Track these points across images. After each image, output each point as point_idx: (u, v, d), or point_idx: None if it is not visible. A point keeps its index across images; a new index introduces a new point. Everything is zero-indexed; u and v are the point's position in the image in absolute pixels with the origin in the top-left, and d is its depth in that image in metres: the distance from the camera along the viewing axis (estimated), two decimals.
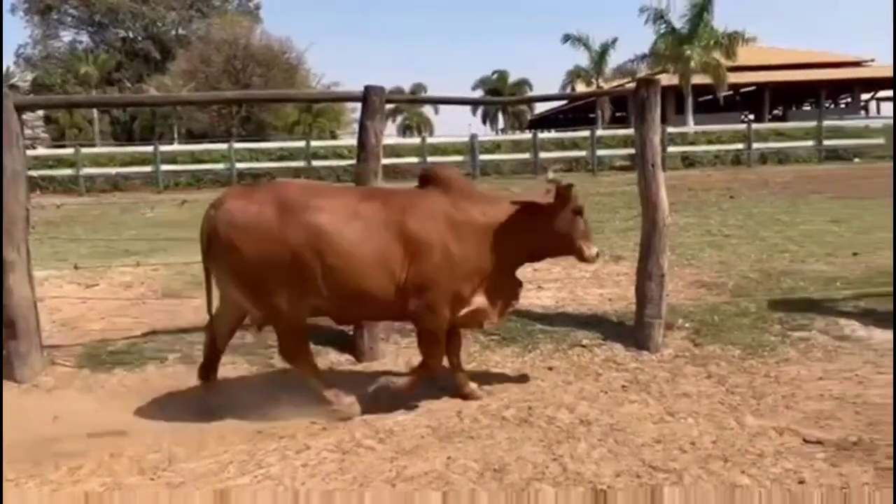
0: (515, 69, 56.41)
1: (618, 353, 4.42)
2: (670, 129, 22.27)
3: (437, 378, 3.76)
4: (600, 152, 22.13)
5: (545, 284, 6.14)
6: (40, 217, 6.53)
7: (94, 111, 37.45)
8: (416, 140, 28.56)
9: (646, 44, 30.25)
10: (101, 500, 2.79)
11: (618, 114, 36.80)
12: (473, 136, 23.15)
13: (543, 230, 3.65)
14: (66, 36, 48.54)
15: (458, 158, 22.75)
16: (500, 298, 3.69)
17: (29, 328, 4.23)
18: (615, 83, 31.49)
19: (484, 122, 54.12)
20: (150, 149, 22.20)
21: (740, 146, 22.26)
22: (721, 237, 8.26)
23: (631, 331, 4.63)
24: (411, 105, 52.97)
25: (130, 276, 6.92)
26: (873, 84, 35.44)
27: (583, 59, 35.56)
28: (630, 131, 21.86)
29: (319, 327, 4.86)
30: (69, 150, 22.45)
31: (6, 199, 4.15)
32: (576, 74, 36.55)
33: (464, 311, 3.59)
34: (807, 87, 34.18)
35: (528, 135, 27.96)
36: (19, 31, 64.95)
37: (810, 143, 22.41)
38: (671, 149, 20.87)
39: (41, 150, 25.87)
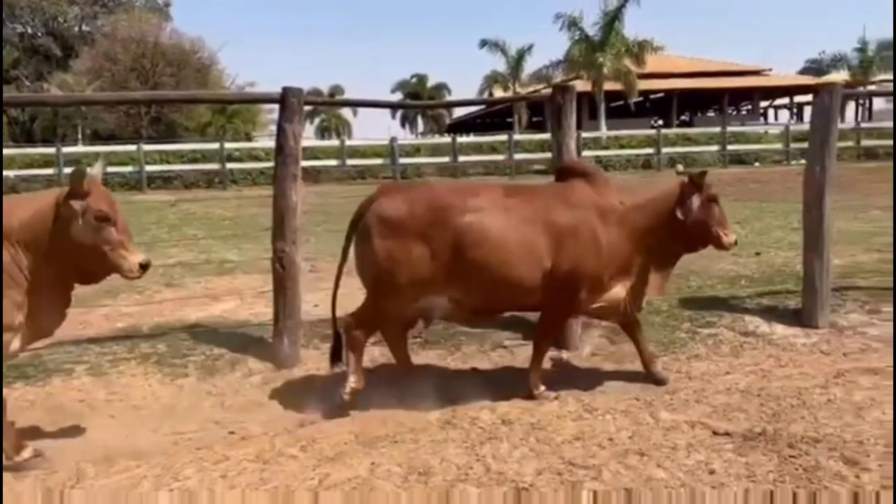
0: (434, 73, 56.75)
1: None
2: (584, 134, 22.91)
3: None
4: (518, 156, 22.54)
5: None
6: None
7: None
8: (335, 142, 28.29)
9: (560, 50, 30.97)
10: None
11: (534, 118, 37.53)
12: (393, 140, 23.15)
13: (680, 220, 3.75)
14: None
15: (378, 161, 22.72)
16: (639, 291, 3.83)
17: None
18: (531, 88, 32.10)
19: (403, 125, 54.26)
20: (52, 150, 21.11)
21: (650, 151, 23.17)
22: None
23: None
24: (329, 107, 52.43)
25: None
26: (771, 92, 37.49)
27: (500, 64, 36.13)
28: (547, 136, 22.34)
29: (237, 335, 4.76)
30: None
31: None
32: (493, 79, 37.03)
33: (602, 301, 3.76)
34: (711, 94, 35.79)
35: (447, 139, 28.14)
36: None
37: (715, 147, 23.55)
38: (585, 153, 21.45)
39: None
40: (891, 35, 34.91)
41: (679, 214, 3.76)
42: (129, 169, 20.82)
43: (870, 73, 35.32)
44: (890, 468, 2.76)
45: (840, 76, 33.94)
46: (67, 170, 19.88)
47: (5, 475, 2.92)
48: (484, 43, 34.93)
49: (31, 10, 43.48)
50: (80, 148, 24.95)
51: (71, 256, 2.98)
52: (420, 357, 4.45)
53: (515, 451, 3.08)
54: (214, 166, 21.28)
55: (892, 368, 4.00)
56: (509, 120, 37.45)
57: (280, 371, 4.29)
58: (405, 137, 39.12)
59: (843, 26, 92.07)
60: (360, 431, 3.36)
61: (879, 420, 3.26)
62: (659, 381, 3.92)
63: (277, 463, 3.05)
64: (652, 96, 36.02)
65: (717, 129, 24.81)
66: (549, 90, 4.88)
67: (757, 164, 23.03)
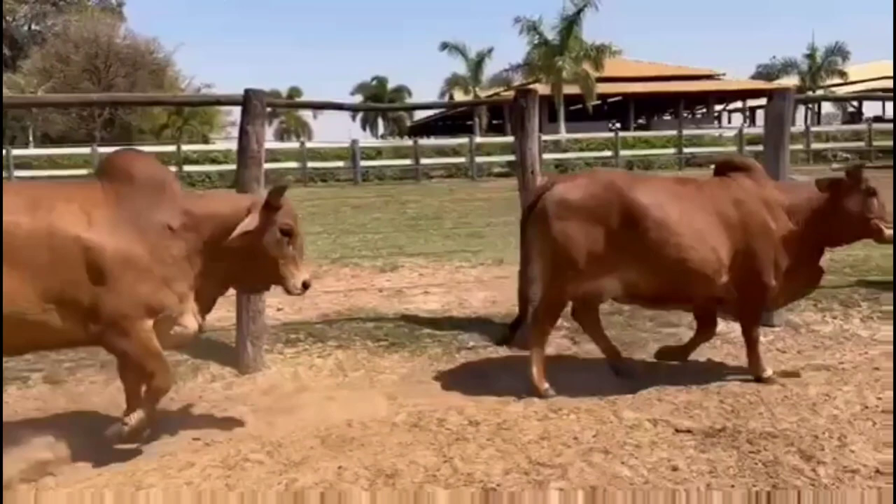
0: (394, 76, 56.62)
1: (503, 354, 4.53)
2: (544, 137, 23.08)
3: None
4: (479, 159, 22.63)
5: (431, 289, 6.21)
6: None
7: None
8: (294, 145, 28.03)
9: (520, 54, 31.22)
10: None
11: (494, 121, 37.72)
12: (355, 142, 23.04)
13: (839, 212, 3.82)
14: None
15: (340, 164, 22.58)
16: (799, 282, 3.94)
17: None
18: (491, 91, 32.28)
19: (364, 127, 54.01)
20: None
21: (608, 153, 23.48)
22: None
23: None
24: (288, 109, 51.93)
25: None
26: (725, 96, 38.33)
27: (460, 67, 36.26)
28: (508, 139, 22.53)
29: (199, 340, 4.69)
30: None
31: None
32: (453, 82, 37.15)
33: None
34: (667, 97, 36.44)
35: (409, 141, 28.10)
36: None
37: (671, 150, 23.96)
38: (545, 156, 21.59)
39: None
40: (836, 42, 36.15)
41: (849, 207, 3.83)
42: (83, 172, 20.29)
43: (818, 79, 36.39)
44: (844, 462, 2.86)
45: (790, 81, 34.92)
46: (18, 173, 19.37)
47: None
48: (444, 46, 35.05)
49: None
50: (30, 150, 24.26)
51: (248, 261, 3.17)
52: (385, 360, 4.46)
53: (483, 452, 3.10)
54: (171, 168, 20.90)
55: (842, 365, 4.14)
56: (469, 123, 37.62)
57: (243, 376, 4.25)
58: (366, 140, 38.97)
59: (793, 33, 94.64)
60: (327, 436, 3.34)
61: (833, 415, 3.36)
62: (762, 379, 3.92)
63: (243, 468, 3.01)
64: (610, 100, 36.47)
65: (674, 132, 25.26)
66: (509, 93, 4.93)
67: (712, 166, 23.50)
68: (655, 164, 23.37)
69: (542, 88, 26.26)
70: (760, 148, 5.35)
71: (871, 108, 36.69)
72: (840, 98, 24.73)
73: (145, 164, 3.19)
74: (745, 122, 38.08)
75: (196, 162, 21.56)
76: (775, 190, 3.97)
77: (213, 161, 21.37)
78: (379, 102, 38.30)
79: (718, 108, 40.76)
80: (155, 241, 3.00)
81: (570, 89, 29.03)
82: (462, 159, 22.96)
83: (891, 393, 3.58)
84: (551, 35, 29.01)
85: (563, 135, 26.36)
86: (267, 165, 4.54)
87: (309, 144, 25.81)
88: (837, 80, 36.39)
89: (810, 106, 38.19)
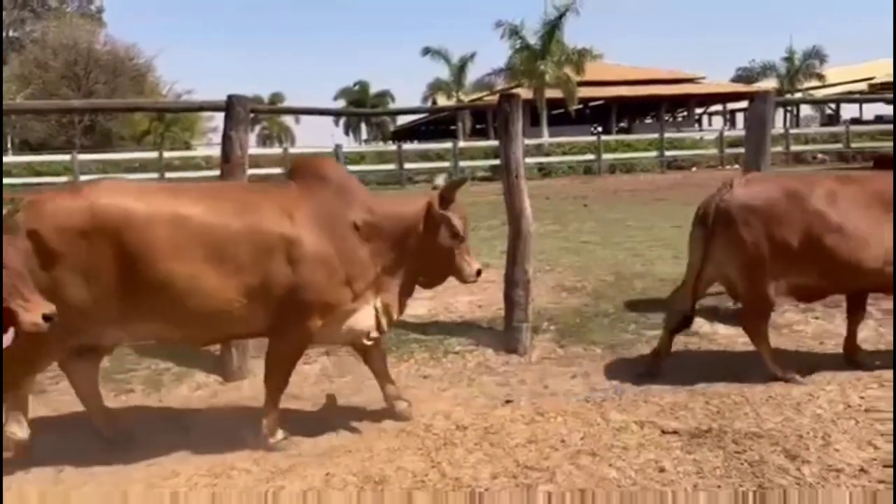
0: (377, 80, 56.39)
1: (489, 357, 4.54)
2: (527, 141, 23.11)
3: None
4: (463, 163, 22.65)
5: (417, 294, 6.19)
6: None
7: None
8: (277, 150, 27.91)
9: (502, 58, 31.32)
10: None
11: (477, 126, 37.79)
12: (338, 147, 22.95)
13: None
14: None
15: None
16: None
17: None
18: (474, 96, 32.33)
19: (346, 132, 53.76)
20: None
21: (591, 157, 23.58)
22: (578, 243, 8.68)
23: (501, 335, 4.77)
24: (270, 114, 51.73)
25: None
26: (705, 99, 38.67)
27: (443, 72, 36.31)
28: (491, 143, 22.59)
29: (183, 348, 4.65)
30: None
31: None
32: (436, 87, 37.20)
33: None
34: (648, 101, 36.69)
35: (392, 146, 28.08)
36: None
37: (653, 153, 24.12)
38: (528, 159, 21.56)
39: None
40: (814, 45, 36.64)
41: None
42: (63, 179, 20.09)
43: (796, 82, 36.84)
44: (828, 461, 2.89)
45: (769, 84, 35.33)
46: None
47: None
48: (427, 51, 35.09)
49: None
50: (10, 158, 23.96)
51: (427, 256, 3.40)
52: None
53: (470, 457, 3.10)
54: (153, 175, 20.73)
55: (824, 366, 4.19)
56: (453, 127, 37.64)
57: (229, 384, 4.22)
58: (349, 145, 38.88)
59: (771, 36, 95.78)
60: (314, 443, 3.32)
61: (816, 414, 3.39)
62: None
63: (229, 477, 3.00)
64: (591, 104, 36.69)
65: (655, 136, 25.46)
66: (492, 98, 4.95)
67: (694, 168, 23.70)
68: (637, 167, 23.50)
69: (525, 93, 26.35)
70: (741, 150, 5.40)
71: (848, 111, 37.20)
72: (819, 101, 25.07)
73: (334, 166, 3.46)
74: (725, 124, 38.40)
75: (178, 168, 21.42)
76: None
77: (196, 167, 21.24)
78: (362, 107, 38.13)
79: (699, 111, 41.12)
80: (343, 240, 3.21)
81: (553, 93, 29.17)
82: (446, 164, 22.97)
83: (873, 392, 3.63)
84: (533, 39, 29.13)
85: (546, 139, 26.43)
86: (249, 171, 4.52)
87: (292, 150, 25.73)
88: (815, 83, 36.87)
89: (789, 108, 38.64)
